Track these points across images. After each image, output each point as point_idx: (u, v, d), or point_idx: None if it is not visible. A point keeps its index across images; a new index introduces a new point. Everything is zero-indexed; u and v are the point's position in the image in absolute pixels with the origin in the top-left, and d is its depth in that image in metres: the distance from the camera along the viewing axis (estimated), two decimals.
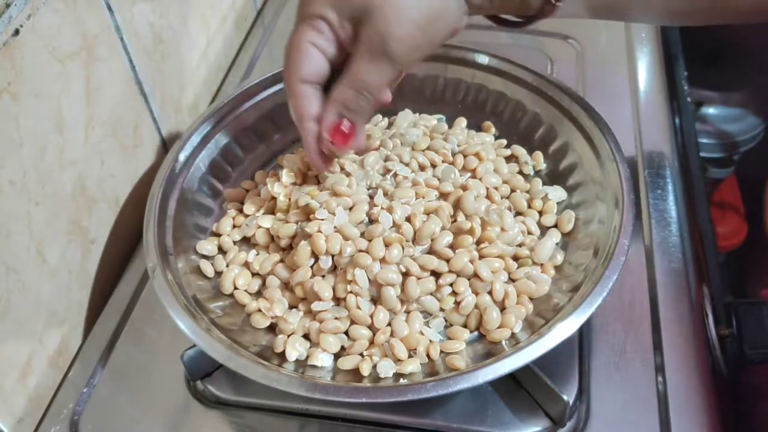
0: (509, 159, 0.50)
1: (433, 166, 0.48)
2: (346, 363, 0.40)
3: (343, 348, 0.41)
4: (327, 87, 0.40)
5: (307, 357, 0.40)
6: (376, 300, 0.41)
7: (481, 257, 0.42)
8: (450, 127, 0.53)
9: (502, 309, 0.41)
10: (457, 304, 0.41)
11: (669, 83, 0.64)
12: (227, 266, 0.46)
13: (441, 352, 0.40)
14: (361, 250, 0.41)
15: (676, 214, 0.52)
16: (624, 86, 0.62)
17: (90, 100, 0.46)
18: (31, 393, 0.43)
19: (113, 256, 0.51)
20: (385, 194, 0.44)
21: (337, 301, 0.42)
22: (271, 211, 0.47)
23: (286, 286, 0.44)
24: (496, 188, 0.47)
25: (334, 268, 0.42)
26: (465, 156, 0.48)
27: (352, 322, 0.41)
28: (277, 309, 0.42)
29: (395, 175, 0.46)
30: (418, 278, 0.41)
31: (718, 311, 0.47)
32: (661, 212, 0.52)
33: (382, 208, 0.43)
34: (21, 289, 0.41)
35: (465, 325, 0.42)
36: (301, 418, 0.42)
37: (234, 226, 0.48)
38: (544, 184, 0.49)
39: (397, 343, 0.39)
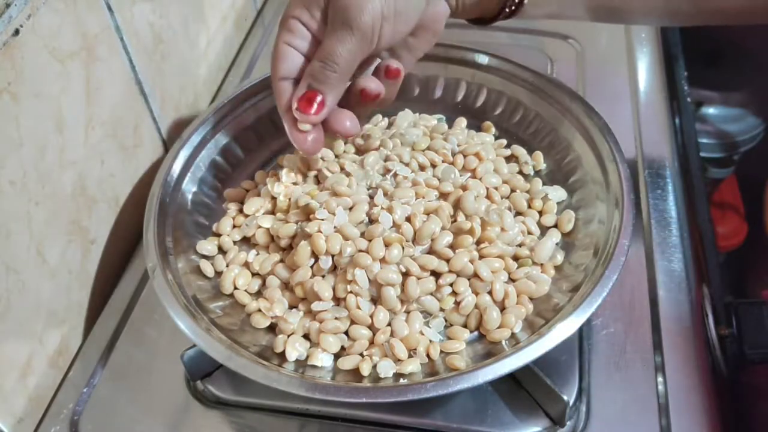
0: (509, 159, 0.50)
1: (433, 166, 0.48)
2: (346, 363, 0.40)
3: (343, 348, 0.41)
4: None
5: (307, 357, 0.40)
6: (376, 300, 0.41)
7: (481, 257, 0.42)
8: (450, 127, 0.53)
9: (502, 309, 0.41)
10: (457, 304, 0.41)
11: (669, 83, 0.64)
12: (227, 266, 0.46)
13: (441, 352, 0.40)
14: (361, 250, 0.41)
15: (676, 214, 0.52)
16: (624, 86, 0.62)
17: (90, 100, 0.46)
18: (31, 393, 0.43)
19: (113, 256, 0.51)
20: (385, 194, 0.44)
21: (337, 301, 0.42)
22: (271, 211, 0.47)
23: (286, 286, 0.44)
24: (496, 188, 0.47)
25: (334, 268, 0.42)
26: (465, 156, 0.48)
27: (352, 322, 0.41)
28: (277, 309, 0.42)
29: (395, 175, 0.46)
30: (418, 278, 0.41)
31: (718, 311, 0.47)
32: (661, 212, 0.52)
33: (382, 208, 0.43)
34: (21, 289, 0.41)
35: (465, 325, 0.42)
36: (301, 418, 0.42)
37: (234, 226, 0.48)
38: (544, 184, 0.49)
39: (397, 343, 0.39)
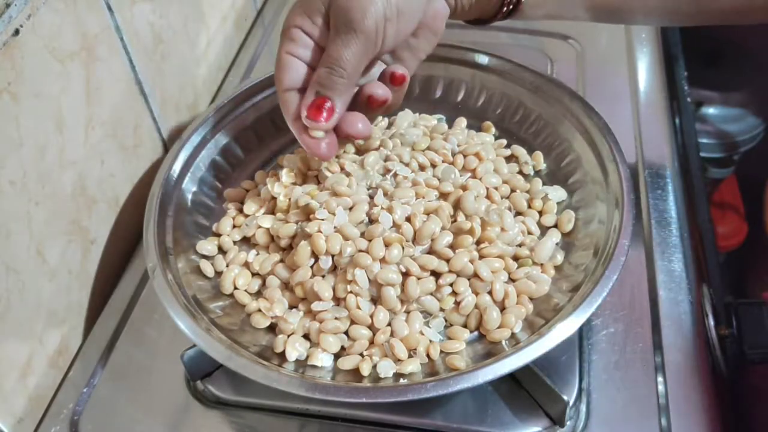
0: (509, 159, 0.50)
1: (433, 166, 0.48)
2: (346, 363, 0.40)
3: (343, 348, 0.41)
4: None
5: (307, 357, 0.40)
6: (376, 300, 0.41)
7: (481, 257, 0.42)
8: (450, 127, 0.53)
9: (502, 309, 0.41)
10: (457, 304, 0.41)
11: (669, 83, 0.64)
12: (227, 266, 0.46)
13: (441, 352, 0.40)
14: (361, 250, 0.41)
15: (676, 214, 0.52)
16: (624, 86, 0.62)
17: (90, 100, 0.46)
18: (31, 393, 0.43)
19: (113, 256, 0.51)
20: (385, 194, 0.44)
21: (337, 301, 0.42)
22: (271, 211, 0.47)
23: (286, 286, 0.44)
24: (496, 188, 0.47)
25: (334, 268, 0.42)
26: (465, 156, 0.48)
27: (352, 322, 0.41)
28: (277, 309, 0.42)
29: (395, 175, 0.46)
30: (418, 278, 0.41)
31: (718, 311, 0.47)
32: (661, 212, 0.52)
33: (382, 208, 0.43)
34: (21, 289, 0.41)
35: (465, 325, 0.42)
36: (301, 418, 0.42)
37: (234, 226, 0.48)
38: (544, 184, 0.49)
39: (397, 343, 0.39)
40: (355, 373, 0.39)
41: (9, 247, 0.40)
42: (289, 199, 0.46)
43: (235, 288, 0.44)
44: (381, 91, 0.42)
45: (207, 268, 0.45)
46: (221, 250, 0.47)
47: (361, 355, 0.40)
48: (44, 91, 0.42)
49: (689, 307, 0.46)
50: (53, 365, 0.45)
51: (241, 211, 0.49)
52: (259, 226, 0.46)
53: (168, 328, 0.45)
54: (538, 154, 0.50)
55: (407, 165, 0.47)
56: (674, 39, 0.71)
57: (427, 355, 0.40)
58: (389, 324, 0.41)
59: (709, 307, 0.46)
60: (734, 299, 0.49)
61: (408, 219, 0.43)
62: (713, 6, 0.41)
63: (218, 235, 0.48)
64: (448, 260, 0.41)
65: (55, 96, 0.43)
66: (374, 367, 0.39)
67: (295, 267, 0.42)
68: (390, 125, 0.53)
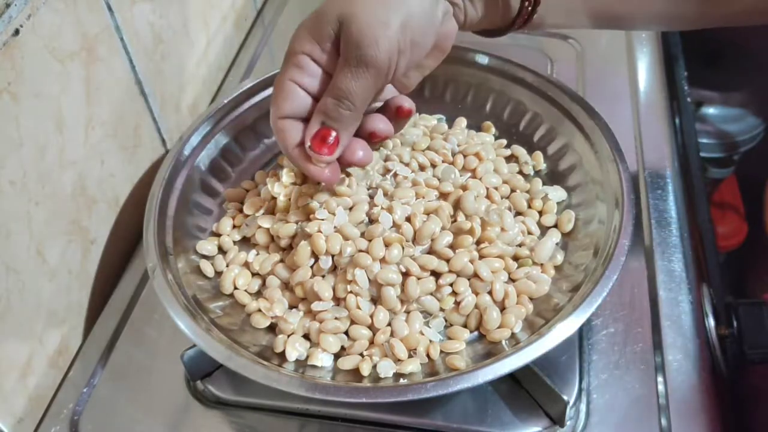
0: (509, 159, 0.50)
1: (433, 166, 0.48)
2: (346, 363, 0.40)
3: (343, 348, 0.41)
4: None
5: (307, 357, 0.40)
6: (376, 300, 0.41)
7: (481, 257, 0.42)
8: (450, 127, 0.53)
9: (502, 309, 0.41)
10: (457, 304, 0.41)
11: (669, 83, 0.64)
12: (227, 266, 0.45)
13: (441, 352, 0.40)
14: (361, 250, 0.41)
15: (676, 214, 0.52)
16: (624, 86, 0.62)
17: (90, 100, 0.46)
18: (31, 393, 0.43)
19: (113, 256, 0.51)
20: (385, 194, 0.44)
21: (337, 301, 0.42)
22: (271, 211, 0.47)
23: (286, 286, 0.44)
24: (496, 188, 0.47)
25: (334, 268, 0.42)
26: (465, 156, 0.48)
27: (352, 322, 0.41)
28: (277, 309, 0.42)
29: (395, 175, 0.46)
30: (418, 278, 0.41)
31: (718, 311, 0.47)
32: (661, 212, 0.52)
33: (382, 208, 0.43)
34: (21, 289, 0.41)
35: (465, 325, 0.42)
36: (301, 418, 0.42)
37: (234, 226, 0.48)
38: (544, 184, 0.49)
39: (397, 343, 0.39)
40: (355, 373, 0.39)
41: (9, 247, 0.40)
42: (289, 199, 0.46)
43: (235, 288, 0.44)
44: (383, 125, 0.42)
45: (207, 268, 0.45)
46: (221, 250, 0.47)
47: (361, 355, 0.40)
48: (44, 91, 0.42)
49: (689, 307, 0.46)
50: (53, 365, 0.45)
51: (241, 211, 0.49)
52: (259, 226, 0.46)
53: (168, 328, 0.45)
54: (538, 154, 0.50)
55: (407, 165, 0.47)
56: (674, 39, 0.71)
57: (427, 355, 0.40)
58: (389, 324, 0.41)
59: (709, 307, 0.46)
60: (734, 299, 0.49)
61: (408, 219, 0.43)
62: (717, 11, 0.41)
63: (218, 235, 0.48)
64: (448, 260, 0.41)
65: (55, 96, 0.43)
66: (374, 367, 0.39)
67: (295, 267, 0.42)
68: None
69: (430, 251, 0.42)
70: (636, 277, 0.47)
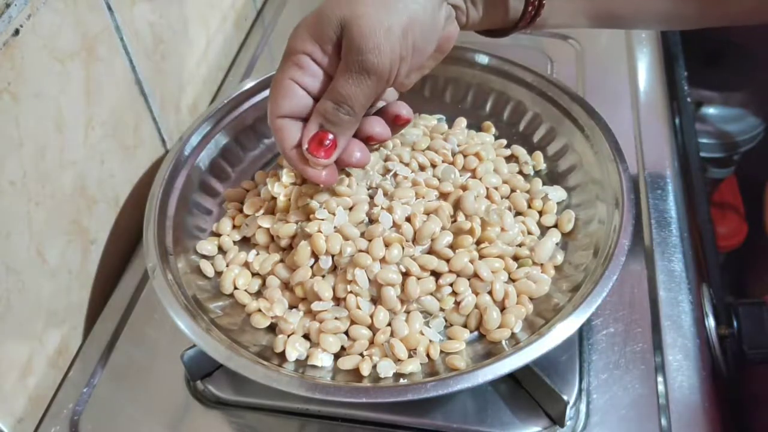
0: (509, 159, 0.50)
1: (433, 166, 0.48)
2: (346, 363, 0.40)
3: (343, 348, 0.41)
4: None
5: (307, 357, 0.40)
6: (376, 300, 0.41)
7: (481, 257, 0.42)
8: (450, 127, 0.53)
9: (502, 309, 0.41)
10: (457, 304, 0.41)
11: (669, 83, 0.64)
12: (227, 266, 0.45)
13: (441, 352, 0.40)
14: (361, 250, 0.41)
15: (676, 214, 0.52)
16: (624, 86, 0.62)
17: (90, 100, 0.46)
18: (31, 393, 0.43)
19: (113, 256, 0.51)
20: (385, 194, 0.44)
21: (337, 301, 0.42)
22: (271, 211, 0.47)
23: (286, 286, 0.44)
24: (496, 188, 0.47)
25: (334, 268, 0.42)
26: (465, 156, 0.48)
27: (352, 322, 0.41)
28: (277, 309, 0.42)
29: (395, 175, 0.46)
30: (418, 278, 0.41)
31: (718, 311, 0.47)
32: (661, 212, 0.52)
33: (382, 208, 0.43)
34: (21, 289, 0.41)
35: (465, 325, 0.42)
36: (301, 418, 0.42)
37: (234, 226, 0.48)
38: (544, 184, 0.49)
39: (397, 343, 0.39)
40: (355, 373, 0.39)
41: (9, 247, 0.40)
42: (289, 199, 0.46)
43: (235, 288, 0.44)
44: (380, 129, 0.42)
45: (207, 268, 0.45)
46: (221, 250, 0.47)
47: (361, 355, 0.40)
48: (44, 91, 0.42)
49: (689, 307, 0.46)
50: (53, 365, 0.45)
51: (241, 211, 0.49)
52: (259, 226, 0.46)
53: (168, 328, 0.45)
54: (538, 154, 0.50)
55: (407, 165, 0.47)
56: (674, 39, 0.71)
57: (427, 355, 0.40)
58: (389, 324, 0.41)
59: (709, 307, 0.46)
60: (734, 299, 0.49)
61: (408, 219, 0.43)
62: (717, 11, 0.41)
63: (218, 235, 0.48)
64: (448, 260, 0.41)
65: (55, 96, 0.43)
66: (374, 367, 0.39)
67: (295, 267, 0.42)
68: None
69: (430, 251, 0.42)
70: (636, 277, 0.47)
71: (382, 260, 0.41)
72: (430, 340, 0.41)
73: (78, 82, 0.45)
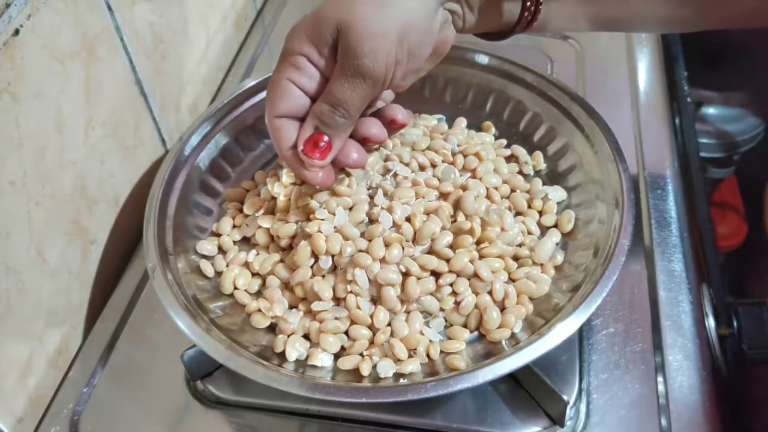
0: (509, 159, 0.50)
1: (433, 166, 0.48)
2: (346, 363, 0.40)
3: (343, 348, 0.41)
4: None
5: (307, 357, 0.40)
6: (376, 300, 0.41)
7: (481, 257, 0.42)
8: (450, 127, 0.53)
9: (502, 309, 0.41)
10: (457, 304, 0.41)
11: (669, 83, 0.64)
12: (227, 266, 0.46)
13: (441, 352, 0.40)
14: (361, 250, 0.41)
15: (676, 214, 0.52)
16: (624, 86, 0.62)
17: (90, 100, 0.46)
18: (31, 393, 0.43)
19: (113, 256, 0.51)
20: (385, 194, 0.44)
21: (337, 301, 0.42)
22: (271, 211, 0.47)
23: (286, 286, 0.44)
24: (496, 188, 0.47)
25: (334, 268, 0.42)
26: (465, 156, 0.48)
27: (352, 322, 0.41)
28: (277, 309, 0.42)
29: (395, 175, 0.46)
30: (418, 278, 0.41)
31: (718, 311, 0.47)
32: (661, 212, 0.52)
33: (382, 208, 0.43)
34: (21, 289, 0.41)
35: (465, 325, 0.42)
36: (301, 418, 0.42)
37: (234, 226, 0.48)
38: (544, 184, 0.49)
39: (397, 343, 0.39)
40: (355, 373, 0.39)
41: (9, 247, 0.40)
42: (289, 199, 0.46)
43: (235, 288, 0.44)
44: (376, 130, 0.42)
45: (207, 268, 0.45)
46: (221, 250, 0.47)
47: (361, 355, 0.40)
48: (44, 91, 0.42)
49: (689, 307, 0.46)
50: (53, 365, 0.45)
51: (241, 211, 0.49)
52: (259, 226, 0.46)
53: (168, 328, 0.45)
54: (538, 154, 0.50)
55: (407, 165, 0.47)
56: (674, 39, 0.71)
57: (427, 355, 0.40)
58: (389, 324, 0.41)
59: (709, 307, 0.46)
60: (734, 299, 0.49)
61: (408, 219, 0.43)
62: (715, 14, 0.41)
63: (218, 235, 0.48)
64: (448, 260, 0.41)
65: (55, 96, 0.43)
66: (374, 367, 0.39)
67: (295, 267, 0.42)
68: None
69: (430, 251, 0.42)
70: (636, 277, 0.47)
71: (382, 260, 0.41)
72: (430, 340, 0.41)
73: (78, 82, 0.45)
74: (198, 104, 0.62)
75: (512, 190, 0.48)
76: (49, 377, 0.45)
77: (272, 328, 0.43)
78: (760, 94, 0.86)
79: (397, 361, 0.39)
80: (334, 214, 0.42)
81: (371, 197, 0.44)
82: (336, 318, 0.41)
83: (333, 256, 0.42)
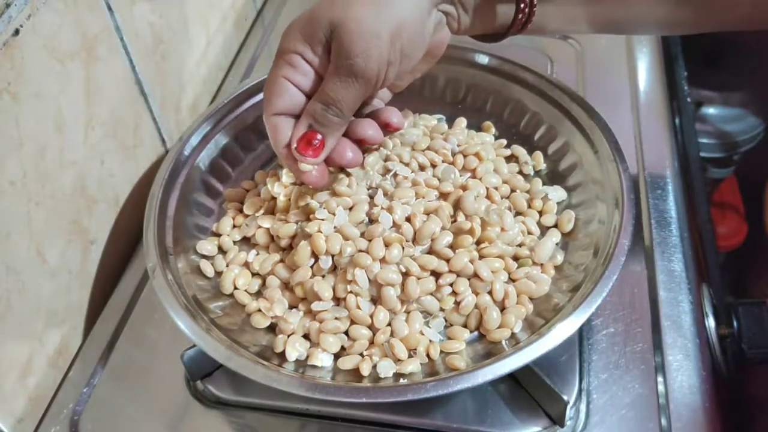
0: (509, 159, 0.50)
1: (433, 166, 0.48)
2: (346, 363, 0.40)
3: (343, 348, 0.41)
4: None
5: (307, 357, 0.40)
6: (376, 300, 0.41)
7: (481, 257, 0.42)
8: (450, 127, 0.53)
9: (502, 309, 0.41)
10: (457, 304, 0.41)
11: (669, 83, 0.64)
12: (227, 266, 0.46)
13: (441, 352, 0.40)
14: (361, 250, 0.41)
15: (676, 214, 0.52)
16: (624, 86, 0.62)
17: (90, 100, 0.46)
18: (31, 393, 0.43)
19: (113, 256, 0.51)
20: (385, 194, 0.44)
21: (337, 301, 0.42)
22: (271, 211, 0.47)
23: (286, 286, 0.44)
24: (496, 188, 0.47)
25: (334, 268, 0.42)
26: (465, 156, 0.48)
27: (352, 322, 0.41)
28: (277, 309, 0.42)
29: (395, 175, 0.46)
30: (418, 278, 0.41)
31: (718, 311, 0.47)
32: (661, 212, 0.52)
33: (382, 208, 0.43)
34: (21, 289, 0.41)
35: (465, 325, 0.42)
36: (301, 418, 0.42)
37: (234, 226, 0.48)
38: (544, 184, 0.49)
39: (397, 343, 0.39)
40: (355, 373, 0.39)
41: (9, 247, 0.40)
42: (289, 199, 0.46)
43: (235, 288, 0.44)
44: (372, 132, 0.42)
45: (207, 268, 0.45)
46: (221, 250, 0.47)
47: (361, 355, 0.40)
48: (44, 91, 0.42)
49: (689, 307, 0.46)
50: (53, 365, 0.45)
51: (241, 211, 0.49)
52: (259, 226, 0.46)
53: (168, 328, 0.45)
54: (538, 154, 0.50)
55: (407, 165, 0.47)
56: (674, 39, 0.71)
57: (427, 355, 0.40)
58: (389, 324, 0.41)
59: (709, 307, 0.46)
60: (734, 299, 0.49)
61: (408, 219, 0.43)
62: (713, 18, 0.42)
63: (218, 235, 0.48)
64: (448, 260, 0.41)
65: (55, 96, 0.43)
66: (374, 367, 0.39)
67: (295, 267, 0.42)
68: None
69: (430, 251, 0.42)
70: (636, 277, 0.47)
71: (382, 260, 0.41)
72: (430, 340, 0.41)
73: (78, 82, 0.45)
74: (198, 104, 0.62)
75: (512, 190, 0.48)
76: (49, 377, 0.45)
77: (272, 328, 0.43)
78: (760, 94, 0.86)
79: (397, 361, 0.39)
80: (334, 214, 0.42)
81: (371, 197, 0.44)
82: (336, 318, 0.41)
83: (333, 256, 0.42)
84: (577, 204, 0.47)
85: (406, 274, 0.41)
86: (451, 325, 0.42)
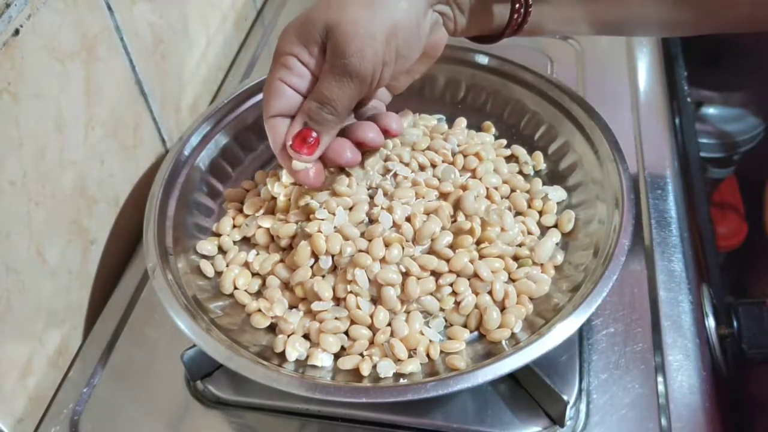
0: (509, 159, 0.50)
1: (433, 166, 0.48)
2: (346, 363, 0.40)
3: (343, 348, 0.41)
4: None
5: (307, 357, 0.40)
6: (376, 300, 0.41)
7: (481, 257, 0.42)
8: (450, 127, 0.53)
9: (502, 309, 0.41)
10: (457, 304, 0.41)
11: (669, 83, 0.64)
12: (227, 266, 0.46)
13: (441, 352, 0.40)
14: (361, 250, 0.41)
15: (676, 214, 0.52)
16: (624, 86, 0.62)
17: (90, 100, 0.46)
18: (31, 393, 0.43)
19: (113, 256, 0.51)
20: (385, 194, 0.44)
21: (337, 301, 0.42)
22: (271, 211, 0.47)
23: (286, 286, 0.44)
24: (496, 188, 0.47)
25: (334, 268, 0.42)
26: (465, 156, 0.48)
27: (352, 322, 0.41)
28: (277, 309, 0.42)
29: (395, 175, 0.46)
30: (418, 278, 0.41)
31: (718, 311, 0.47)
32: (661, 212, 0.52)
33: (382, 208, 0.43)
34: (21, 289, 0.41)
35: (465, 325, 0.42)
36: (301, 418, 0.42)
37: (234, 226, 0.48)
38: (544, 184, 0.49)
39: (397, 343, 0.39)
40: (355, 373, 0.39)
41: (9, 247, 0.40)
42: (289, 199, 0.46)
43: (235, 288, 0.44)
44: (373, 134, 0.42)
45: (207, 268, 0.45)
46: (221, 250, 0.47)
47: (361, 355, 0.40)
48: (44, 91, 0.42)
49: (689, 307, 0.46)
50: (53, 365, 0.45)
51: (241, 211, 0.49)
52: (259, 226, 0.46)
53: (168, 328, 0.45)
54: (538, 154, 0.50)
55: (407, 165, 0.47)
56: (674, 39, 0.71)
57: (427, 355, 0.40)
58: (389, 324, 0.41)
59: (709, 307, 0.46)
60: (734, 299, 0.49)
61: (408, 219, 0.43)
62: (712, 19, 0.42)
63: (218, 235, 0.48)
64: (448, 260, 0.41)
65: (55, 96, 0.43)
66: (374, 367, 0.39)
67: (295, 267, 0.42)
68: None
69: (430, 251, 0.42)
70: (636, 277, 0.47)
71: (382, 260, 0.41)
72: (430, 340, 0.41)
73: (78, 82, 0.45)
74: (198, 104, 0.62)
75: (512, 190, 0.48)
76: (49, 377, 0.45)
77: (272, 328, 0.43)
78: (760, 94, 0.86)
79: (397, 361, 0.39)
80: (334, 214, 0.42)
81: (371, 197, 0.44)
82: (336, 318, 0.41)
83: (333, 256, 0.42)
84: (577, 204, 0.47)
85: (406, 274, 0.41)
86: (451, 325, 0.42)
